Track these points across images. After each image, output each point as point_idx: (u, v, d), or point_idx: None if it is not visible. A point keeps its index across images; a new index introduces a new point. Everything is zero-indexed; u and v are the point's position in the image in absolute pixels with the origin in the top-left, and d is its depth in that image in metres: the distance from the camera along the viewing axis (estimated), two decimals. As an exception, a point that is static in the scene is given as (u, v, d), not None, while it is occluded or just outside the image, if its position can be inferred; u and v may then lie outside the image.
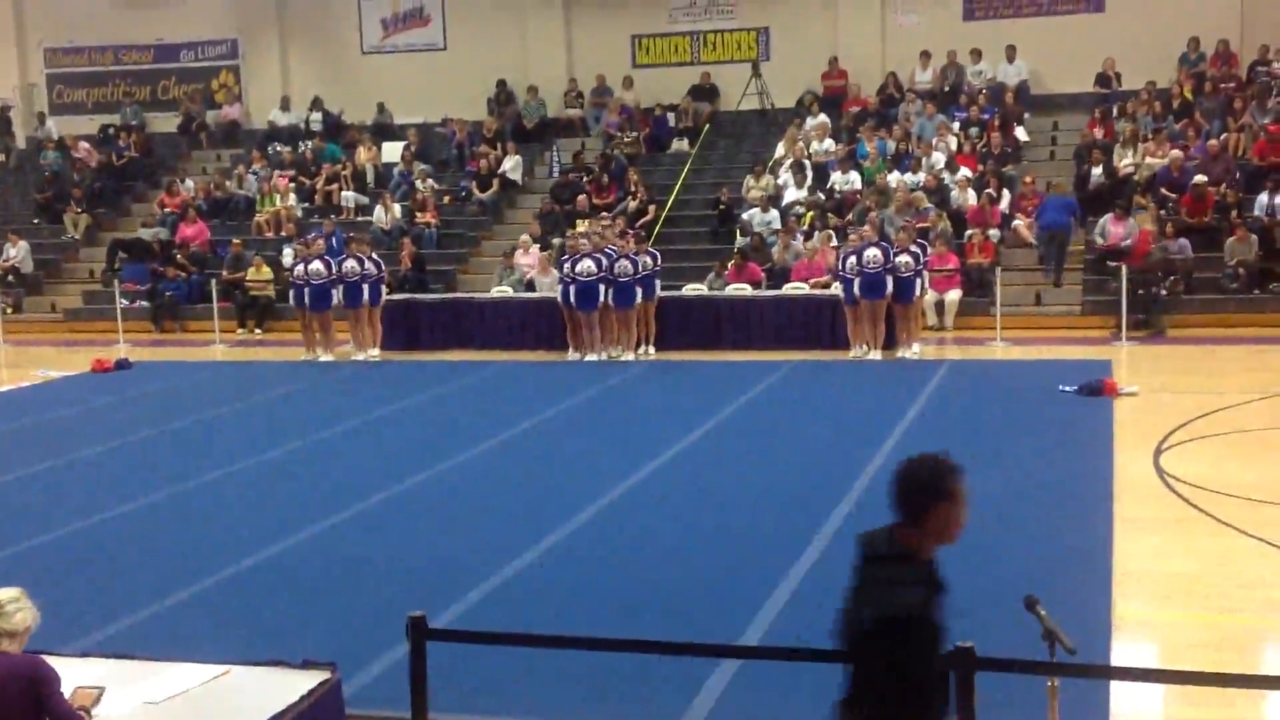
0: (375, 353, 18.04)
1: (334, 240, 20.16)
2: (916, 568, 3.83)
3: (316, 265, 17.94)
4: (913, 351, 16.61)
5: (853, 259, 16.58)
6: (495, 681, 6.47)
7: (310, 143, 25.54)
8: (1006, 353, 16.79)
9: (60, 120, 28.51)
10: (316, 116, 26.38)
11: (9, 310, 22.60)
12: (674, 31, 25.75)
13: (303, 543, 9.18)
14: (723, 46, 25.53)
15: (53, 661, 4.75)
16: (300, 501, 10.34)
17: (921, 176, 20.85)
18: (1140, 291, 17.83)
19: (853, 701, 3.89)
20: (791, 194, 21.37)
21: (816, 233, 19.66)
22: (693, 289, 18.85)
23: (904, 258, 16.49)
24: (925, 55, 24.06)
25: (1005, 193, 20.59)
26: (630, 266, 17.10)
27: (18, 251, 23.74)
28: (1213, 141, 20.41)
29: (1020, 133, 22.44)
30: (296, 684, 5.14)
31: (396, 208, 22.96)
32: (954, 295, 18.75)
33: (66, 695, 4.69)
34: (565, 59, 26.07)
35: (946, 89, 23.67)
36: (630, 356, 17.21)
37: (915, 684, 3.78)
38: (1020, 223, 20.10)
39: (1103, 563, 8.03)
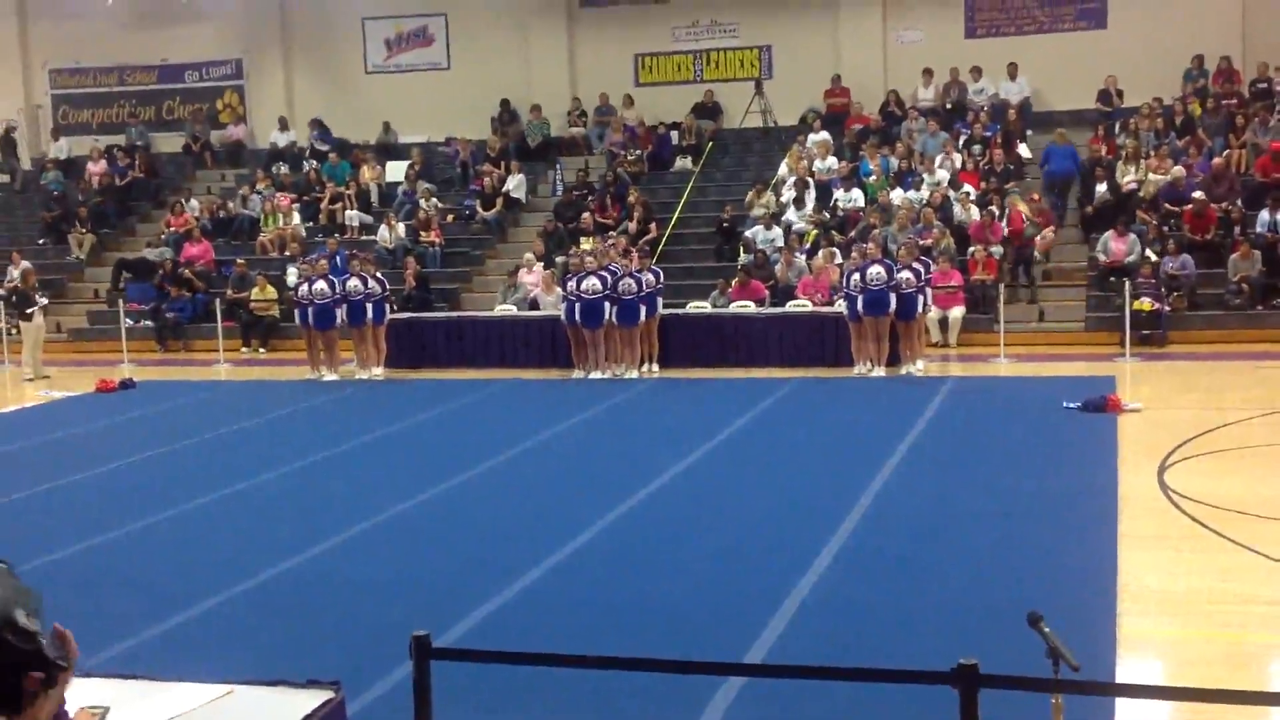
0: (379, 371, 18.05)
1: (338, 259, 20.19)
2: None
3: (320, 284, 17.97)
4: (916, 368, 16.60)
5: (856, 276, 16.58)
6: (499, 700, 6.46)
7: (313, 163, 25.60)
8: (1010, 369, 16.78)
9: (65, 141, 28.56)
10: (316, 135, 26.41)
11: (14, 331, 22.61)
12: (677, 50, 25.83)
13: (307, 561, 9.17)
14: (725, 65, 25.60)
15: (56, 681, 4.74)
16: (304, 520, 10.33)
17: (925, 194, 20.87)
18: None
19: None
20: (794, 211, 21.39)
21: (820, 250, 19.68)
22: (696, 307, 18.85)
23: (907, 275, 16.50)
24: (927, 72, 24.12)
25: (1008, 209, 20.60)
26: (634, 284, 17.12)
27: (21, 272, 23.73)
28: (1218, 159, 20.43)
29: (1023, 150, 22.47)
30: (300, 703, 5.12)
31: (400, 226, 23.01)
32: (957, 312, 18.74)
33: (70, 716, 4.68)
34: (568, 78, 26.16)
35: (949, 106, 23.71)
36: (634, 374, 17.21)
37: None
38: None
39: (1107, 579, 8.01)
